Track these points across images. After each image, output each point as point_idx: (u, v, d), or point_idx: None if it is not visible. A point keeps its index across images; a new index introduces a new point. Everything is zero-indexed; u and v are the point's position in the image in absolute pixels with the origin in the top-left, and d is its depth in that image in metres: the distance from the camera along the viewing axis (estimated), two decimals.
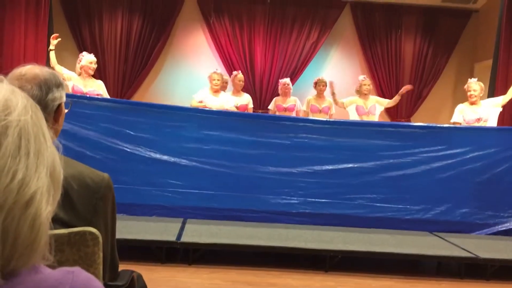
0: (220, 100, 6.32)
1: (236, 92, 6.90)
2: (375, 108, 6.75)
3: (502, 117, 6.22)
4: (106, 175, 1.57)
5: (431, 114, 6.85)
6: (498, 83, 7.28)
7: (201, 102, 6.25)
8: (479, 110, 6.01)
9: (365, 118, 6.60)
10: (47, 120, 1.45)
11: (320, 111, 7.05)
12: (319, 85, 7.15)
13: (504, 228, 5.44)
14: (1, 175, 0.66)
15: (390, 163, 5.43)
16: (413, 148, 5.47)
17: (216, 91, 6.35)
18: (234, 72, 7.12)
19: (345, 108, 6.82)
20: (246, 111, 6.74)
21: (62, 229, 1.42)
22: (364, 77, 6.93)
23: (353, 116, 6.68)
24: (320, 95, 7.18)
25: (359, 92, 6.81)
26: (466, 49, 9.55)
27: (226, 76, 7.64)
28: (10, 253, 0.66)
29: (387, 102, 6.93)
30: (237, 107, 6.66)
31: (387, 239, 4.97)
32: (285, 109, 7.17)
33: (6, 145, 0.67)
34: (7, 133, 0.68)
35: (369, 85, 6.80)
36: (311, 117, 6.87)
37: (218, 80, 6.34)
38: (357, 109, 6.71)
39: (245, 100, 6.88)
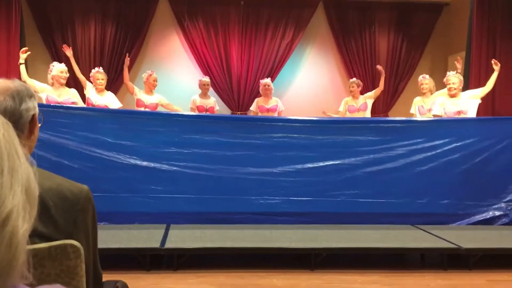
0: (105, 99, 6.29)
1: (149, 91, 6.69)
2: (435, 104, 6.26)
3: (478, 109, 6.27)
4: (85, 186, 1.55)
5: (408, 108, 6.92)
6: (472, 74, 7.37)
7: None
8: (459, 103, 6.03)
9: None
10: (22, 132, 1.43)
11: (358, 110, 7.15)
12: (350, 87, 7.27)
13: (484, 218, 5.52)
14: None
15: (370, 159, 5.47)
16: (393, 142, 5.52)
17: (100, 91, 6.32)
18: (148, 72, 6.79)
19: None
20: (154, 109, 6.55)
21: (42, 243, 1.40)
22: (423, 76, 6.76)
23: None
24: (355, 95, 7.23)
25: (420, 93, 6.74)
26: (439, 42, 9.66)
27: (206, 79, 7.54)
28: None
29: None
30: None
31: (371, 234, 5.00)
32: (268, 110, 7.16)
33: None
34: None
35: (426, 84, 6.62)
36: (349, 116, 6.97)
37: (102, 79, 6.30)
38: (419, 110, 6.64)
39: (156, 99, 6.71)
